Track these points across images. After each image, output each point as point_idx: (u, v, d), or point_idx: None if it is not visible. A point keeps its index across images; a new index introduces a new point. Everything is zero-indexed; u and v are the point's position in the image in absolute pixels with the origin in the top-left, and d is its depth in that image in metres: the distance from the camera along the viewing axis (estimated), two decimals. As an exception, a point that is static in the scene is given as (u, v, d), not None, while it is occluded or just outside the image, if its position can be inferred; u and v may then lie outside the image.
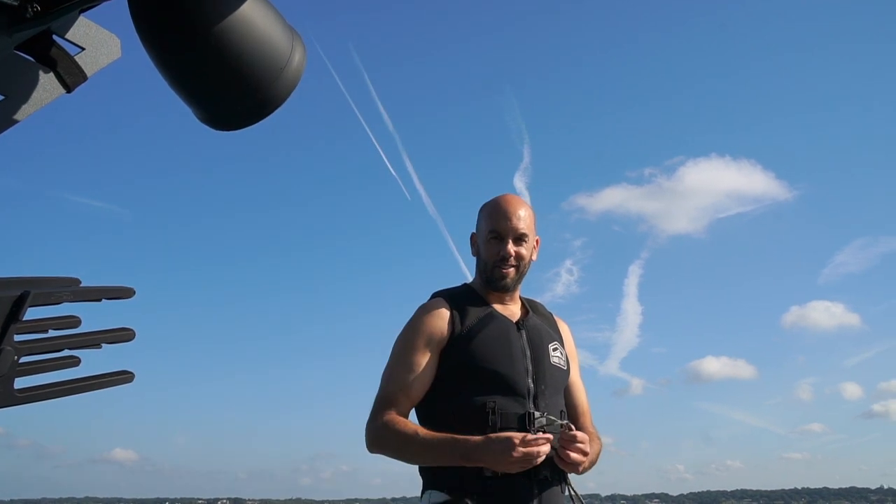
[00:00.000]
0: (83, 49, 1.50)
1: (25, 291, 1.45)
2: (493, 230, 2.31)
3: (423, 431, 2.09)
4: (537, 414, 2.12)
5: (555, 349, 2.32)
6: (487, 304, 2.30)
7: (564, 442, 2.07)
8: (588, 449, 2.09)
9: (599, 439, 2.28)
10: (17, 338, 1.46)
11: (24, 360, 1.49)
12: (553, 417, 2.12)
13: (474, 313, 2.25)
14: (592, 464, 2.23)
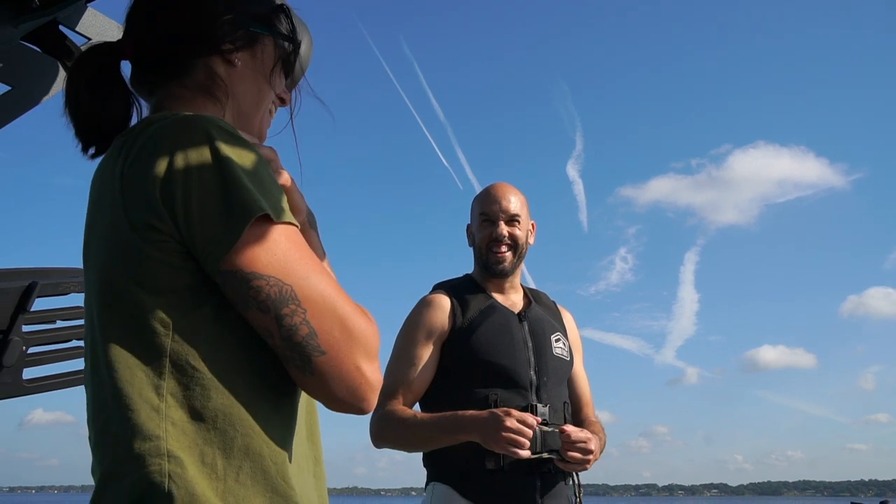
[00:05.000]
0: (89, 40, 1.50)
1: (33, 282, 1.46)
2: (484, 213, 2.28)
3: (421, 414, 2.08)
4: (540, 406, 2.08)
5: (557, 340, 2.27)
6: (489, 294, 2.28)
7: (567, 445, 2.02)
8: (592, 446, 2.04)
9: (603, 430, 2.23)
10: (24, 328, 1.48)
11: (32, 350, 1.51)
12: (550, 428, 2.07)
13: (475, 305, 2.22)
14: (596, 458, 2.16)
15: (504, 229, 2.25)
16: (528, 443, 1.90)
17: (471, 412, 1.98)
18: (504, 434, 1.88)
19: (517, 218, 2.27)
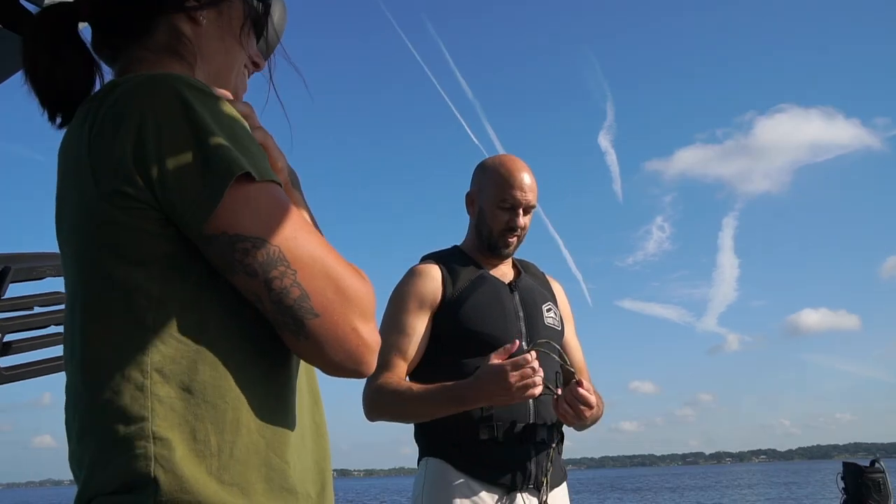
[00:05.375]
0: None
1: (6, 267, 1.40)
2: (505, 199, 2.19)
3: (416, 386, 2.03)
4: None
5: (548, 309, 2.24)
6: (479, 266, 2.24)
7: (570, 398, 1.99)
8: (585, 414, 2.00)
9: (601, 400, 2.17)
10: (0, 315, 1.44)
11: (9, 337, 1.46)
12: (558, 352, 2.08)
13: (466, 276, 2.17)
14: (594, 422, 2.15)
15: (522, 220, 2.20)
16: (538, 379, 1.87)
17: (466, 381, 1.95)
18: (513, 389, 1.85)
19: (532, 206, 2.23)
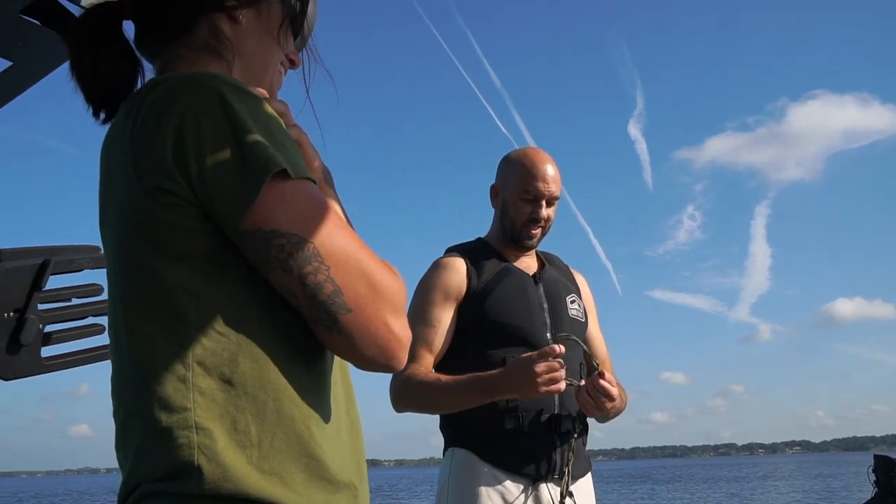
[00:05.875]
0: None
1: (46, 260, 1.45)
2: (528, 191, 2.20)
3: (444, 377, 2.05)
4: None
5: (572, 301, 2.25)
6: (503, 258, 2.25)
7: (591, 389, 2.00)
8: (606, 406, 2.01)
9: (624, 393, 2.18)
10: (40, 306, 1.47)
11: (48, 328, 1.50)
12: (575, 339, 2.11)
13: (490, 268, 2.18)
14: (616, 414, 2.16)
15: (545, 212, 2.21)
16: (562, 374, 1.89)
17: (495, 372, 1.97)
18: (539, 380, 1.87)
19: (556, 199, 2.23)
